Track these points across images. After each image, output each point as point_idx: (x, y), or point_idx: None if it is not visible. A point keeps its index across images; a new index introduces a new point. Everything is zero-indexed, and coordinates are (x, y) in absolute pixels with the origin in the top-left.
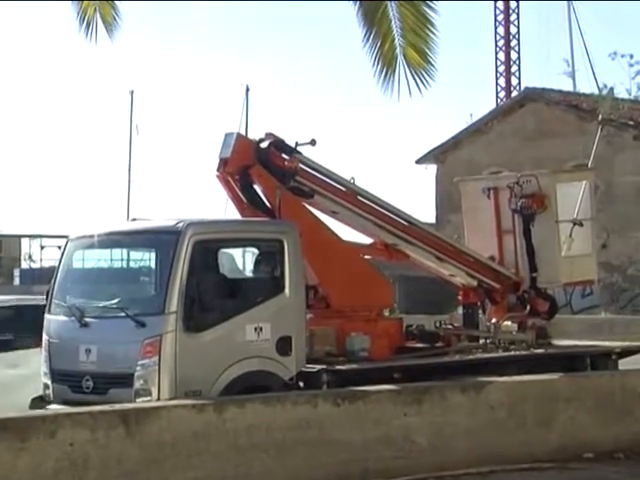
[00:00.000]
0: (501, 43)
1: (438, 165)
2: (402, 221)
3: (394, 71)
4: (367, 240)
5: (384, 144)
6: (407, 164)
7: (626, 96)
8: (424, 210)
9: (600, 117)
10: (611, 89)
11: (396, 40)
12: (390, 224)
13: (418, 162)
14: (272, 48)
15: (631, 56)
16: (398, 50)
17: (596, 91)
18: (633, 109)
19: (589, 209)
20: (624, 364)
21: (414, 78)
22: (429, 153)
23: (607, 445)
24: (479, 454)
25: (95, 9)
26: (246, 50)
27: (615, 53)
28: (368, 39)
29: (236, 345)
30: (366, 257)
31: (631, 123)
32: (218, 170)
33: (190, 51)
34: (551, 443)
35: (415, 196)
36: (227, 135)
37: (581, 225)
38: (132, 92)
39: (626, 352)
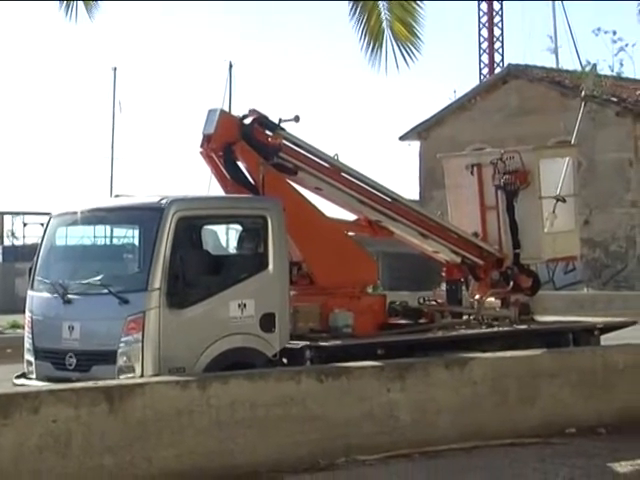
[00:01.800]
0: (484, 20)
1: (421, 142)
2: (386, 198)
3: (381, 45)
4: (351, 217)
5: (368, 121)
6: (390, 141)
7: (609, 73)
8: (407, 187)
9: (583, 93)
10: (594, 65)
11: (382, 14)
12: (374, 201)
13: (401, 139)
14: (256, 24)
15: (614, 32)
16: (385, 24)
17: (579, 68)
18: (616, 85)
19: (572, 185)
20: (606, 340)
21: (401, 51)
22: (412, 130)
23: (589, 420)
24: (462, 430)
25: None
26: (230, 26)
27: (599, 29)
28: (355, 13)
29: (220, 322)
30: (350, 234)
31: (614, 99)
32: (201, 146)
33: (173, 27)
34: (534, 419)
35: (398, 173)
36: (210, 111)
37: (564, 201)
38: (115, 69)
39: (608, 328)
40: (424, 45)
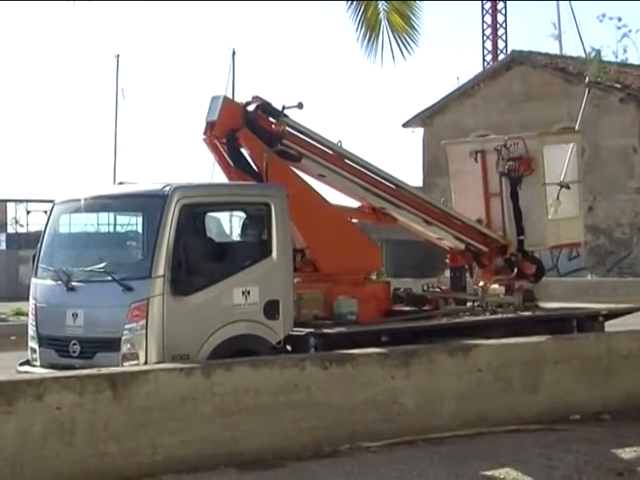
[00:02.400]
0: (488, 6)
1: (425, 128)
2: (390, 184)
3: (378, 36)
4: (355, 203)
5: (371, 107)
6: (394, 127)
7: (613, 59)
8: (411, 173)
9: (587, 80)
10: (598, 51)
11: (380, 5)
12: (378, 187)
13: (405, 125)
14: (259, 11)
15: (619, 19)
16: (382, 15)
17: (583, 54)
18: (620, 72)
19: (576, 172)
20: (610, 326)
21: (397, 43)
22: (416, 116)
23: (593, 407)
24: (466, 416)
25: None
26: (233, 13)
27: (603, 15)
28: (352, 4)
29: (224, 309)
30: (353, 220)
31: (618, 86)
32: (205, 134)
33: (176, 15)
34: (538, 405)
35: (402, 159)
36: (214, 98)
37: (568, 188)
38: (118, 56)
39: (612, 314)
40: (422, 36)
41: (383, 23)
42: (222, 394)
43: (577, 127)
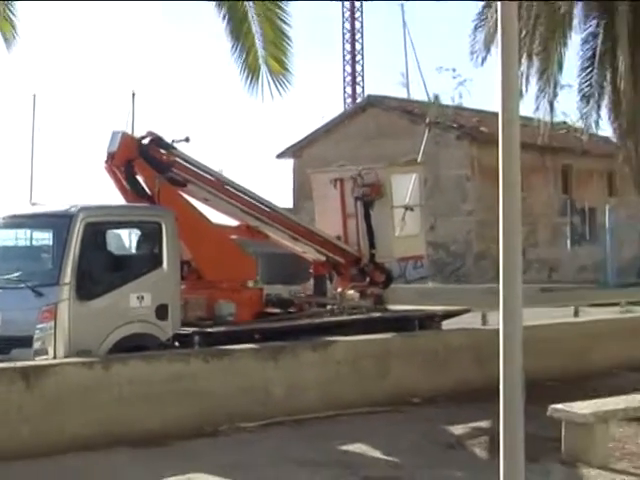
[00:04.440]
0: (348, 58)
1: (295, 159)
2: (263, 207)
3: (258, 78)
4: (234, 222)
5: (250, 140)
6: (269, 158)
7: (450, 103)
8: (283, 198)
9: (427, 120)
10: (437, 97)
11: (259, 52)
12: (253, 209)
13: (279, 157)
14: (157, 57)
15: (454, 70)
16: (261, 60)
17: (426, 99)
18: (456, 114)
19: (418, 197)
20: (446, 325)
21: (275, 83)
22: (288, 149)
23: (431, 391)
24: (327, 401)
25: None
26: (134, 58)
27: (441, 67)
28: (235, 51)
29: (121, 311)
30: (232, 237)
31: (454, 125)
32: (106, 162)
33: (87, 57)
34: (386, 391)
35: (276, 186)
36: (114, 133)
37: (412, 210)
38: (34, 95)
39: (447, 315)
40: (295, 77)
41: (262, 68)
42: (119, 384)
43: (419, 159)
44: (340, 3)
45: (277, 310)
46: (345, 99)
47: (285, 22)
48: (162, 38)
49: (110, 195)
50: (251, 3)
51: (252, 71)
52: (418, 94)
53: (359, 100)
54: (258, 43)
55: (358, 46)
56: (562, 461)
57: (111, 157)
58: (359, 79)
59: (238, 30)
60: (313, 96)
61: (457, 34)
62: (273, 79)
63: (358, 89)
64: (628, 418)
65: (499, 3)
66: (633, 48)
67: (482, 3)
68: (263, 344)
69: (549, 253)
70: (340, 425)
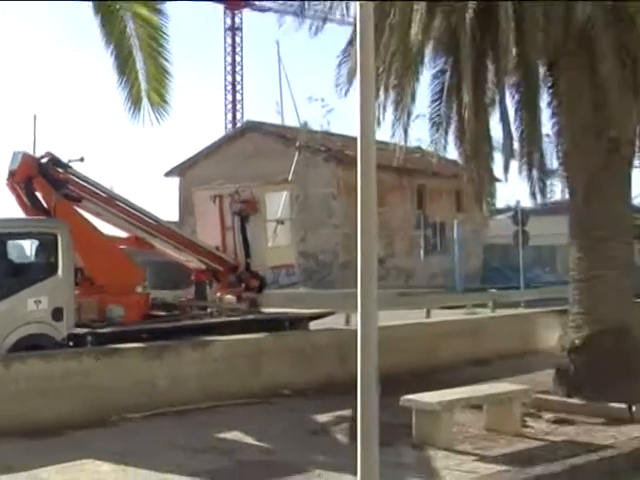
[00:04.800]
0: (230, 88)
1: (181, 178)
2: (150, 220)
3: (140, 109)
4: (124, 234)
5: (140, 160)
6: (158, 177)
7: (319, 129)
8: (170, 212)
9: (298, 144)
10: (306, 123)
11: (142, 86)
12: (140, 222)
13: (166, 175)
14: (58, 81)
15: (322, 99)
16: (143, 94)
17: (297, 125)
18: (324, 138)
19: (289, 212)
20: (314, 326)
21: (155, 114)
22: (174, 168)
23: (301, 385)
24: (207, 393)
25: None
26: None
27: (311, 97)
28: (121, 84)
29: (20, 314)
30: (122, 247)
31: (322, 149)
32: (7, 180)
33: None
34: (260, 384)
35: (164, 201)
36: (15, 152)
37: (283, 224)
38: None
39: (315, 317)
40: (172, 109)
41: (144, 100)
42: (18, 380)
43: (290, 178)
44: (222, 38)
45: (162, 313)
46: (226, 124)
47: (167, 60)
48: (62, 63)
49: (11, 210)
50: (136, 41)
51: (135, 102)
52: (292, 121)
53: (239, 125)
54: (141, 78)
55: (238, 77)
56: (413, 445)
57: (12, 175)
58: (239, 106)
59: (124, 66)
60: (199, 120)
61: (326, 68)
62: (153, 110)
63: (238, 115)
64: (470, 406)
65: (358, 43)
66: (475, 84)
67: (346, 41)
68: (149, 343)
69: (405, 262)
70: (218, 415)
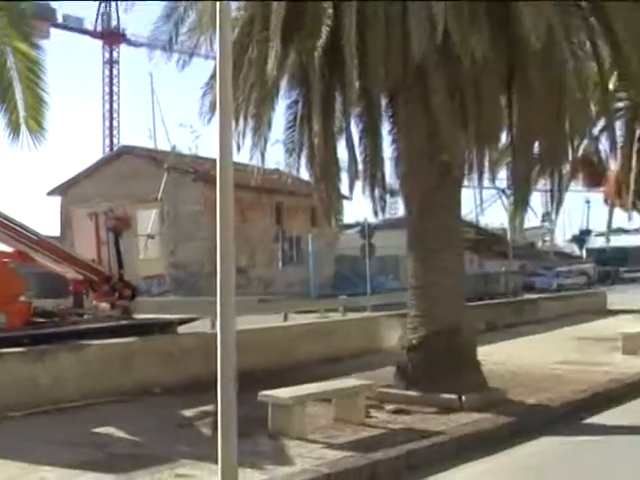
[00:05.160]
0: (107, 115)
1: (62, 197)
2: (32, 235)
3: (19, 135)
4: (8, 249)
5: (26, 181)
6: (41, 195)
7: (189, 152)
8: (53, 228)
9: (166, 165)
10: (174, 147)
11: (21, 114)
12: (22, 237)
13: (49, 194)
14: None
15: (191, 126)
16: (22, 121)
17: (169, 148)
18: (194, 161)
19: (158, 227)
20: (182, 330)
21: (32, 139)
22: (56, 188)
23: (169, 383)
24: (84, 392)
25: None
26: None
27: (182, 124)
28: (1, 112)
29: None
30: (5, 260)
31: (191, 170)
32: None
33: None
34: (132, 383)
35: (47, 218)
36: None
37: (153, 238)
38: None
39: (182, 322)
40: (50, 134)
41: (22, 127)
42: None
43: (159, 197)
44: (101, 69)
45: (43, 320)
46: (104, 147)
47: (44, 90)
48: None
49: None
50: (15, 74)
51: (14, 129)
52: (164, 145)
53: (115, 148)
54: (20, 107)
55: (115, 105)
56: (269, 435)
57: None
58: (116, 132)
59: (4, 96)
60: (80, 143)
61: (195, 97)
62: (31, 136)
63: (115, 140)
64: (321, 399)
65: (218, 77)
66: (324, 113)
67: (209, 75)
68: (31, 348)
69: (266, 272)
70: (94, 412)
